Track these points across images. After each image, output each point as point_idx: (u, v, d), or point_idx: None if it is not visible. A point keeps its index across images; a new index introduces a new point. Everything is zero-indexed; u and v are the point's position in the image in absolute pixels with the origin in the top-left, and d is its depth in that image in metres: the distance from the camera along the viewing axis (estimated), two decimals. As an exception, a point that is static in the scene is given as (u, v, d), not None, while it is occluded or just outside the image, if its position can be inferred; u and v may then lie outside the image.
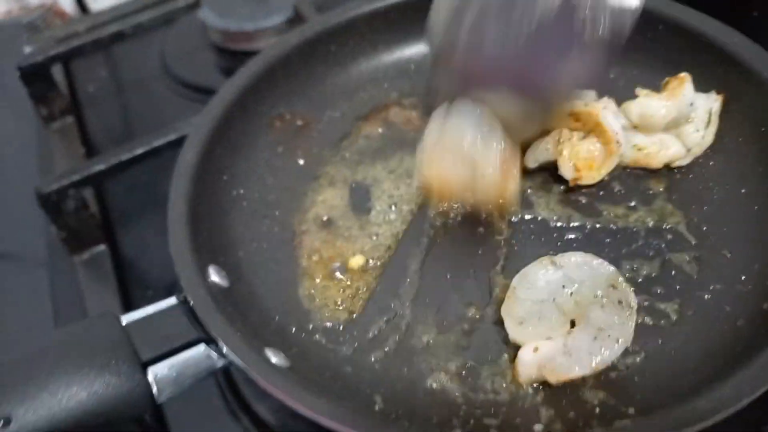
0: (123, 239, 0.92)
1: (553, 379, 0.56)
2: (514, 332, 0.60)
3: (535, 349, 0.58)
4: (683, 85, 0.70)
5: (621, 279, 0.58)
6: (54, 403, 0.45)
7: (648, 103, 0.71)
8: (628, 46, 0.80)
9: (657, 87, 0.74)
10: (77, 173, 0.80)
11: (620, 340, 0.57)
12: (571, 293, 0.59)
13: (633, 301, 0.57)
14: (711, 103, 0.71)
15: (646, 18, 0.78)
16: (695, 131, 0.71)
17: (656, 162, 0.72)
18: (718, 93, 0.72)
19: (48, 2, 1.40)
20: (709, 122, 0.71)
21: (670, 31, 0.77)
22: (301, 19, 1.05)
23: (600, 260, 0.60)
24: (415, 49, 0.89)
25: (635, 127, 0.72)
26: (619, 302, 0.57)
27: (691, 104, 0.70)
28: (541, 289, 0.60)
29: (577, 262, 0.60)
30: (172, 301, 0.55)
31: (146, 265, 0.88)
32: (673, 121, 0.71)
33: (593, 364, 0.56)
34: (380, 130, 0.83)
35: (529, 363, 0.58)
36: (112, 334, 0.50)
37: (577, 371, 0.56)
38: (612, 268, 0.59)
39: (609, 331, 0.57)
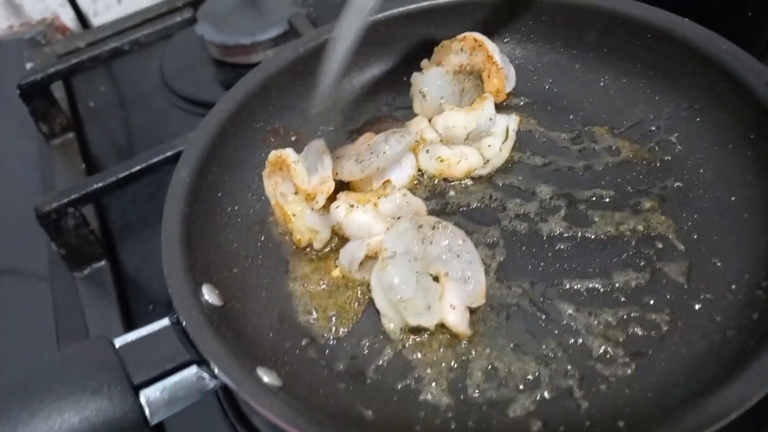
0: (124, 254, 0.93)
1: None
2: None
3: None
4: (484, 102, 0.78)
5: None
6: (46, 429, 0.46)
7: (451, 117, 0.78)
8: (619, 56, 0.82)
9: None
10: (76, 191, 0.81)
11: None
12: None
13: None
14: (510, 121, 0.79)
15: (634, 26, 0.79)
16: (492, 145, 0.77)
17: (457, 171, 0.77)
18: (704, 101, 0.74)
19: (49, 17, 1.42)
20: (506, 138, 0.78)
21: (658, 39, 0.77)
22: (295, 32, 1.06)
23: None
24: (407, 62, 0.89)
25: (441, 141, 0.78)
26: None
27: (491, 119, 0.77)
28: None
29: None
30: (165, 322, 0.56)
31: (147, 279, 0.90)
32: (474, 134, 0.77)
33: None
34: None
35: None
36: (105, 358, 0.50)
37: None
38: None
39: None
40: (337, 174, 0.73)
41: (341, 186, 0.74)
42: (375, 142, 0.76)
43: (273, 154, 0.74)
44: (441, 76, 0.82)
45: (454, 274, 0.64)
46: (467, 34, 0.83)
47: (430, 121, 0.81)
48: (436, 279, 0.65)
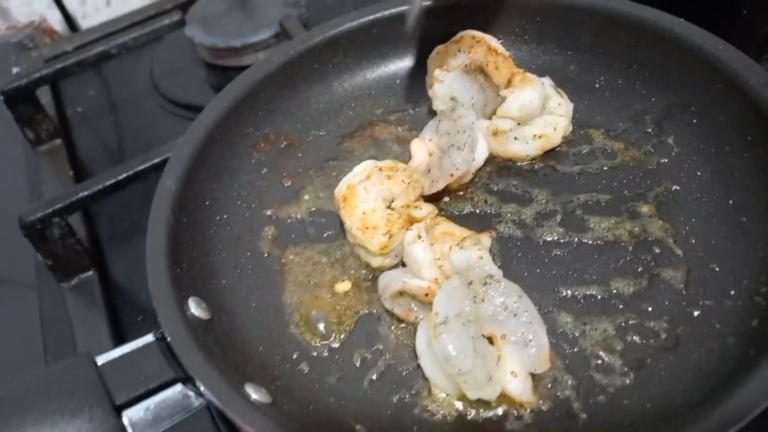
0: (113, 262, 0.91)
1: None
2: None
3: None
4: (526, 74, 0.78)
5: None
6: (25, 453, 0.44)
7: (524, 94, 0.76)
8: (614, 57, 0.81)
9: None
10: (61, 201, 0.80)
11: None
12: None
13: None
14: (546, 81, 0.79)
15: (629, 27, 0.78)
16: (559, 102, 0.77)
17: (557, 138, 0.76)
18: (701, 102, 0.73)
19: (37, 20, 1.40)
20: (557, 92, 0.78)
21: (653, 40, 0.76)
22: (287, 34, 1.04)
23: None
24: (400, 65, 0.88)
25: (519, 124, 0.77)
26: None
27: (543, 84, 0.78)
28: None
29: None
30: (149, 338, 0.54)
31: (137, 289, 0.88)
32: (544, 102, 0.77)
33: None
34: (367, 147, 0.82)
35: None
36: (86, 378, 0.49)
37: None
38: None
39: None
40: (452, 175, 0.71)
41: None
42: (446, 129, 0.74)
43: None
44: (460, 78, 0.80)
45: (512, 336, 0.58)
46: (462, 33, 0.82)
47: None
48: (490, 339, 0.59)
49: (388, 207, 0.71)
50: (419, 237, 0.65)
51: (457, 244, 0.65)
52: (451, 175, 0.71)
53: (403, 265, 0.67)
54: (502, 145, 0.77)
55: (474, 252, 0.63)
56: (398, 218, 0.69)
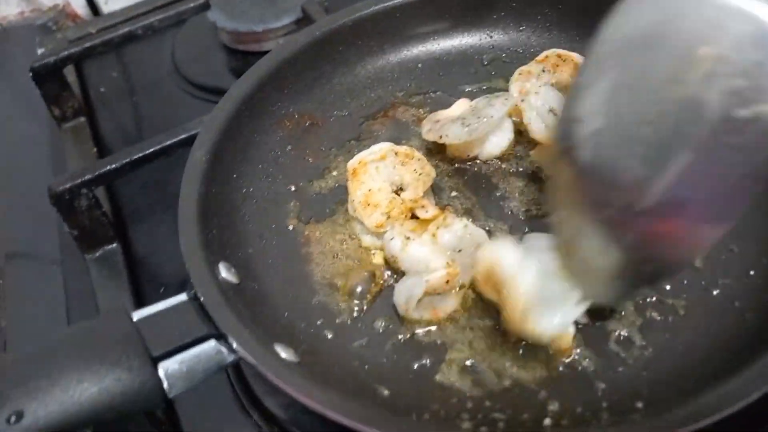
0: (135, 237, 0.92)
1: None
2: None
3: None
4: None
5: None
6: (66, 398, 0.46)
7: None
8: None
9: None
10: (89, 172, 0.81)
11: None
12: None
13: None
14: None
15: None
16: None
17: None
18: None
19: (60, 4, 1.42)
20: None
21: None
22: (309, 19, 1.05)
23: None
24: (422, 48, 0.90)
25: None
26: None
27: None
28: None
29: None
30: (182, 297, 0.55)
31: (158, 262, 0.89)
32: None
33: None
34: (388, 128, 0.84)
35: None
36: (123, 330, 0.50)
37: None
38: None
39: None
40: (440, 137, 0.74)
41: (438, 147, 0.77)
42: (477, 106, 0.76)
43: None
44: (552, 90, 0.77)
45: None
46: (547, 52, 0.80)
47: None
48: None
49: (395, 192, 0.72)
50: (407, 238, 0.65)
51: (439, 227, 0.66)
52: (440, 137, 0.74)
53: (401, 274, 0.67)
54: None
55: (459, 224, 0.66)
56: (400, 204, 0.70)
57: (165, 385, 0.50)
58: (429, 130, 0.76)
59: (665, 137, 0.46)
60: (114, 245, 0.88)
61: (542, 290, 0.58)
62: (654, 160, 0.47)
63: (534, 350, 0.61)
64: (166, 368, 0.50)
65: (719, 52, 0.43)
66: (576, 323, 0.61)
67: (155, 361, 0.50)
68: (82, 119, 1.08)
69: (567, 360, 0.60)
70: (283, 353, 0.56)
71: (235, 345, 0.52)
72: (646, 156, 0.47)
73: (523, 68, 0.80)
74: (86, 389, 0.46)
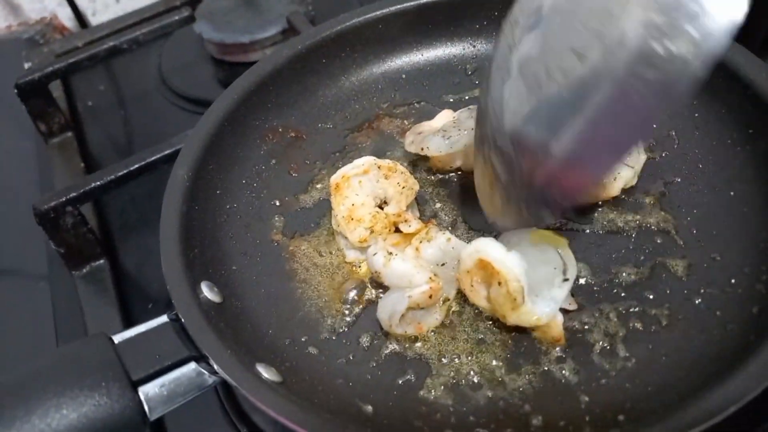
0: (123, 252, 0.93)
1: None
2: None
3: None
4: None
5: None
6: (44, 426, 0.46)
7: None
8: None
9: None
10: (74, 190, 0.81)
11: None
12: None
13: None
14: None
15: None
16: (636, 152, 0.72)
17: (614, 191, 0.71)
18: (703, 96, 0.74)
19: (48, 17, 1.42)
20: None
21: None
22: (294, 30, 1.06)
23: None
24: (405, 59, 0.90)
25: None
26: None
27: None
28: None
29: None
30: (163, 319, 0.56)
31: (147, 277, 0.89)
32: None
33: None
34: (373, 140, 0.84)
35: None
36: (104, 355, 0.50)
37: None
38: None
39: None
40: (422, 150, 0.74)
41: (422, 158, 0.77)
42: (459, 118, 0.76)
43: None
44: None
45: None
46: None
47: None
48: None
49: (378, 206, 0.72)
50: (389, 253, 0.65)
51: (422, 241, 0.66)
52: (421, 149, 0.75)
53: (386, 289, 0.67)
54: None
55: (442, 238, 0.66)
56: (384, 218, 0.70)
57: (146, 408, 0.50)
58: (411, 142, 0.76)
59: (588, 71, 0.48)
60: (101, 261, 0.88)
61: (529, 278, 0.60)
62: (574, 97, 0.48)
63: (518, 364, 0.61)
64: (146, 392, 0.50)
65: None
66: (564, 310, 0.62)
67: (135, 385, 0.50)
68: (69, 134, 1.09)
69: (553, 367, 0.60)
70: (266, 373, 0.56)
71: (216, 367, 0.52)
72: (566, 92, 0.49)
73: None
74: (65, 416, 0.46)
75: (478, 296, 0.63)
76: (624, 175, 0.71)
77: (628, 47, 0.44)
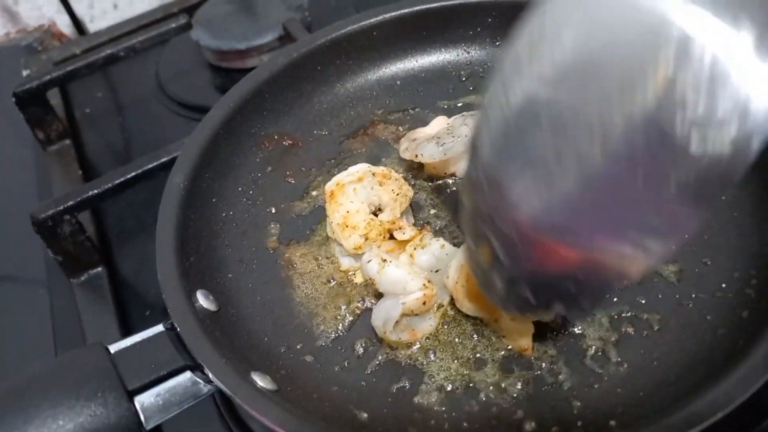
0: (121, 260, 0.93)
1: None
2: None
3: None
4: None
5: None
6: (40, 436, 0.46)
7: None
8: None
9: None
10: (71, 198, 0.82)
11: None
12: None
13: None
14: None
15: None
16: None
17: None
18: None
19: (46, 24, 1.43)
20: None
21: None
22: (290, 37, 1.06)
23: None
24: (400, 66, 0.90)
25: None
26: None
27: None
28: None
29: None
30: (159, 328, 0.56)
31: (145, 284, 0.90)
32: None
33: None
34: (368, 146, 0.84)
35: None
36: (100, 364, 0.51)
37: None
38: None
39: None
40: (416, 156, 0.75)
41: (417, 165, 0.77)
42: (453, 125, 0.76)
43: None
44: None
45: None
46: None
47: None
48: None
49: (373, 213, 0.72)
50: (383, 260, 0.65)
51: (416, 247, 0.66)
52: (416, 156, 0.75)
53: (380, 296, 0.67)
54: None
55: (436, 245, 0.66)
56: (378, 225, 0.70)
57: (141, 418, 0.50)
58: (406, 149, 0.77)
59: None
60: (99, 269, 0.88)
61: None
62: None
63: (511, 369, 0.61)
64: (142, 402, 0.51)
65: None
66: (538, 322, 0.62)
67: (131, 395, 0.50)
68: (67, 142, 1.09)
69: (546, 372, 0.61)
70: (261, 381, 0.57)
71: (211, 376, 0.52)
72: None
73: None
74: (61, 426, 0.47)
75: (468, 306, 0.64)
76: None
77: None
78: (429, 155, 0.74)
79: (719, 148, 0.37)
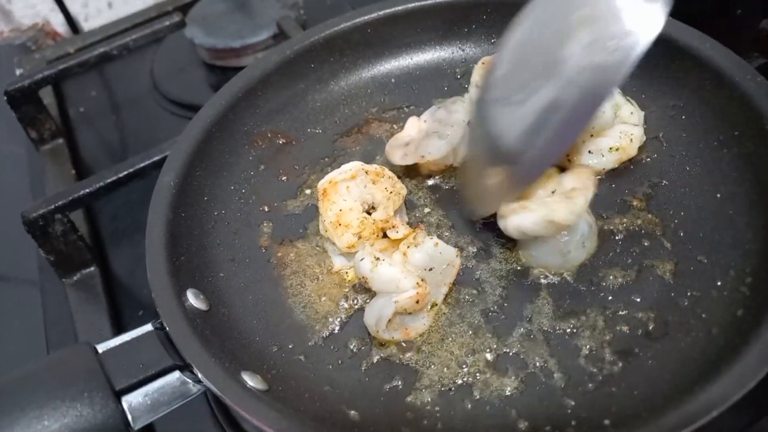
0: (114, 259, 0.93)
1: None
2: None
3: None
4: None
5: None
6: (25, 436, 0.46)
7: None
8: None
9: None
10: (63, 197, 0.81)
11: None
12: None
13: None
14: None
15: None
16: (631, 110, 0.75)
17: (633, 150, 0.74)
18: (690, 99, 0.75)
19: (40, 23, 1.42)
20: (627, 100, 0.76)
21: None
22: (284, 35, 1.06)
23: None
24: (394, 63, 0.90)
25: (592, 135, 0.74)
26: None
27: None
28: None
29: None
30: (148, 327, 0.56)
31: (137, 283, 0.89)
32: (616, 111, 0.74)
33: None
34: (362, 144, 0.84)
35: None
36: (87, 364, 0.50)
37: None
38: None
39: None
40: (422, 158, 0.74)
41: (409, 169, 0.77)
42: (438, 117, 0.76)
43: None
44: None
45: None
46: None
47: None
48: None
49: (366, 211, 0.72)
50: (376, 258, 0.65)
51: (409, 246, 0.66)
52: (422, 156, 0.74)
53: (373, 295, 0.67)
54: (573, 156, 0.74)
55: (429, 243, 0.66)
56: (371, 224, 0.69)
57: (129, 418, 0.50)
58: (405, 155, 0.75)
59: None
60: (92, 268, 0.88)
61: None
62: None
63: (505, 368, 0.61)
64: (129, 402, 0.50)
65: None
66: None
67: (119, 395, 0.50)
68: (60, 141, 1.09)
69: (539, 371, 0.60)
70: (251, 381, 0.56)
71: (200, 375, 0.52)
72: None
73: (487, 58, 0.79)
74: (46, 427, 0.46)
75: None
76: (637, 135, 0.74)
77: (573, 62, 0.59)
78: (436, 151, 0.73)
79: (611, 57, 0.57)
